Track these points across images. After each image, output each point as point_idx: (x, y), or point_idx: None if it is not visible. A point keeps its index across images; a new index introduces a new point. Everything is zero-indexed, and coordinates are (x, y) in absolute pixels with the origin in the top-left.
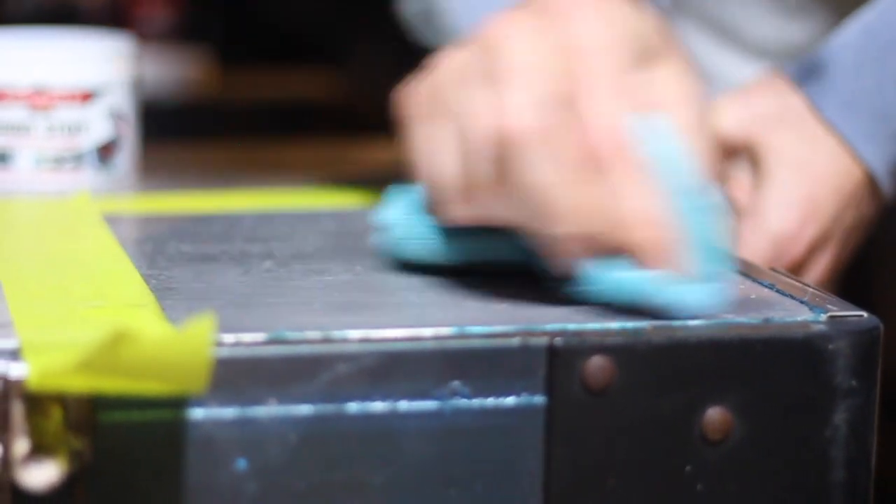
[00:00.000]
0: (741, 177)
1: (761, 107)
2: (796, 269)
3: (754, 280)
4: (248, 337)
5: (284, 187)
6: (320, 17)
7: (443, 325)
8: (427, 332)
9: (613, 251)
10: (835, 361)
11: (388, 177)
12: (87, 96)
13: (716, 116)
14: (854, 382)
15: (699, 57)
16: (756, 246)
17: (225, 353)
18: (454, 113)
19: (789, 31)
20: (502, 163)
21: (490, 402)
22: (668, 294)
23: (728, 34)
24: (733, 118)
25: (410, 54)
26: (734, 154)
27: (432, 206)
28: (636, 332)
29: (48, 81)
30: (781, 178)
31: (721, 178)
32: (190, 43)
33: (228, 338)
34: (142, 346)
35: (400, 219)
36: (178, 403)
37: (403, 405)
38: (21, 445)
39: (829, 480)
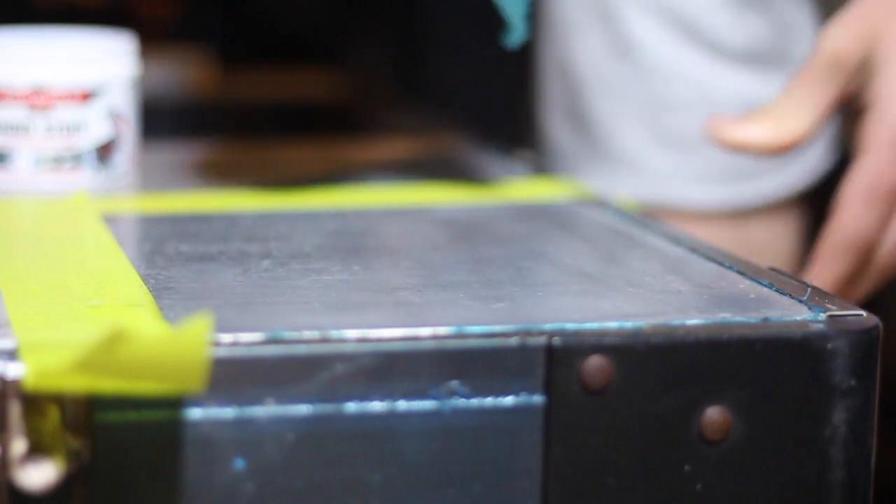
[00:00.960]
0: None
1: (873, 9)
2: None
3: (753, 279)
4: (246, 337)
5: (284, 187)
6: (320, 17)
7: (441, 324)
8: (425, 331)
9: None
10: (834, 361)
11: (387, 176)
12: (86, 96)
13: (831, 39)
14: (853, 382)
15: (660, 55)
16: (878, 136)
17: (223, 352)
18: None
19: (747, 22)
20: None
21: (488, 401)
22: None
23: (687, 28)
24: (851, 33)
25: (410, 54)
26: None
27: None
28: (635, 331)
29: (47, 81)
30: None
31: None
32: (190, 43)
33: (226, 337)
34: (139, 346)
35: None
36: (176, 403)
37: (402, 405)
38: (18, 446)
39: (828, 480)
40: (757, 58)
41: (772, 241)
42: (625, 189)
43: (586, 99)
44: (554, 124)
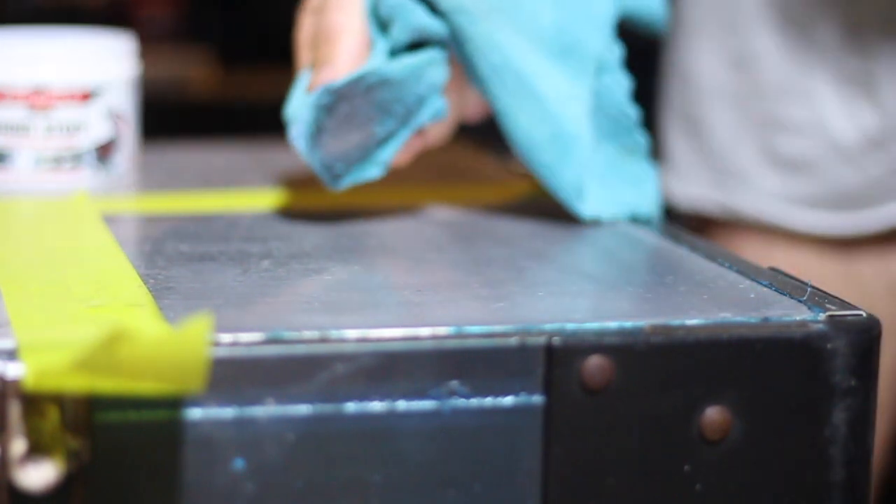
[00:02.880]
0: None
1: None
2: None
3: (753, 279)
4: (245, 337)
5: (284, 187)
6: None
7: (441, 324)
8: (425, 331)
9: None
10: (833, 361)
11: (387, 176)
12: (86, 96)
13: None
14: (853, 382)
15: (778, 72)
16: None
17: (223, 352)
18: None
19: (867, 46)
20: None
21: (488, 401)
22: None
23: (809, 48)
24: None
25: None
26: None
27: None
28: (634, 331)
29: (47, 81)
30: None
31: None
32: (190, 43)
33: (226, 337)
34: (139, 346)
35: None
36: (176, 403)
37: (402, 405)
38: (18, 446)
39: (828, 480)
40: (876, 85)
41: (882, 274)
42: (732, 203)
43: (702, 107)
44: (669, 129)
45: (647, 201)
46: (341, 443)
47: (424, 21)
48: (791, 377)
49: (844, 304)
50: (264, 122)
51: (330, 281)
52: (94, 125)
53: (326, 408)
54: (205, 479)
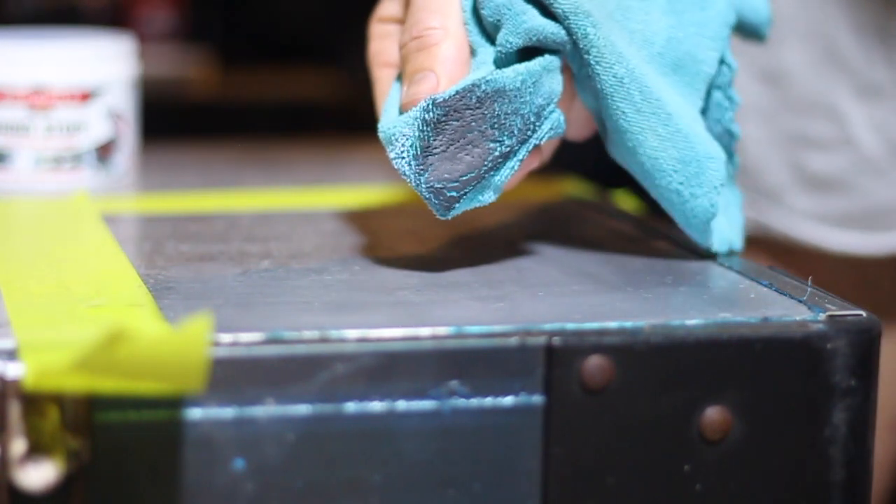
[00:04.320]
0: None
1: None
2: None
3: (753, 279)
4: (245, 337)
5: (284, 187)
6: (320, 17)
7: (441, 324)
8: (425, 331)
9: None
10: (833, 361)
11: (387, 177)
12: (86, 96)
13: None
14: (853, 382)
15: (807, 86)
16: None
17: (223, 352)
18: None
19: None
20: None
21: (488, 401)
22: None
23: (837, 62)
24: None
25: None
26: None
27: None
28: (634, 331)
29: (47, 81)
30: None
31: None
32: (190, 43)
33: (226, 337)
34: (139, 346)
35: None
36: (176, 403)
37: (401, 405)
38: (18, 445)
39: (828, 480)
40: None
41: None
42: (766, 222)
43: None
44: None
45: (738, 233)
46: (341, 443)
47: (540, 23)
48: (791, 377)
49: (844, 304)
50: (264, 122)
51: (330, 281)
52: (94, 125)
53: (326, 408)
54: (205, 479)
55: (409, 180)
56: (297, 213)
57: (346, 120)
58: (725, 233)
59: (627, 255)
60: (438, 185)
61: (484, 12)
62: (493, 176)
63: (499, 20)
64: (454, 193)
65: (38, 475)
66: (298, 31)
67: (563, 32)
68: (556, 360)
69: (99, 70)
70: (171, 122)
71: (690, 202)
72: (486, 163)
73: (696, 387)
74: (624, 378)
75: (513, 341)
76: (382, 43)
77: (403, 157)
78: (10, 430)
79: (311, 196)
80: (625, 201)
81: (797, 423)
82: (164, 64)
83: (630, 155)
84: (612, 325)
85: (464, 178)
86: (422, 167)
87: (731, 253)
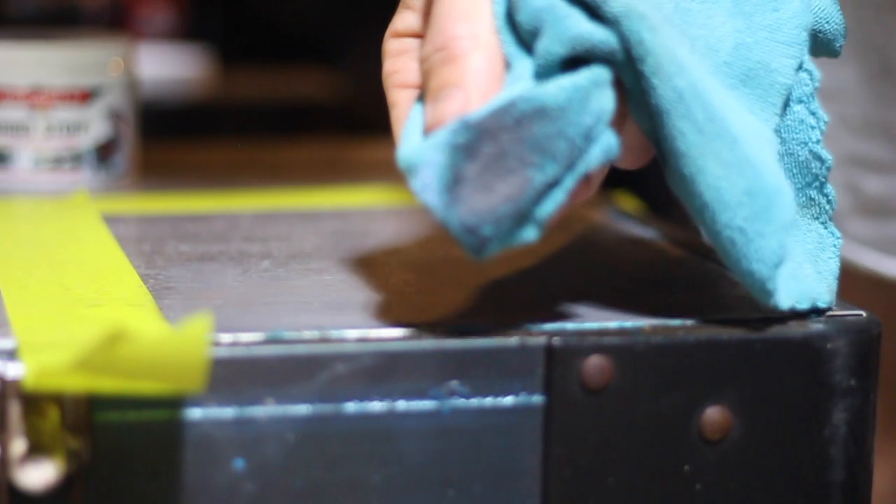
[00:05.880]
0: None
1: None
2: None
3: None
4: (245, 337)
5: (284, 187)
6: (320, 17)
7: (441, 324)
8: (425, 331)
9: None
10: (833, 360)
11: (387, 177)
12: (86, 96)
13: None
14: (853, 382)
15: (858, 104)
16: None
17: (223, 352)
18: None
19: None
20: None
21: (488, 401)
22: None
23: (891, 77)
24: None
25: None
26: None
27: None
28: (634, 331)
29: (47, 81)
30: None
31: None
32: (190, 43)
33: (226, 337)
34: (139, 346)
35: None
36: (176, 403)
37: (402, 405)
38: (18, 445)
39: (829, 480)
40: None
41: None
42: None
43: None
44: None
45: (827, 285)
46: (341, 443)
47: (586, 29)
48: (791, 377)
49: (844, 304)
50: (264, 122)
51: (330, 281)
52: (94, 125)
53: (326, 408)
54: (205, 480)
55: (436, 214)
56: (297, 213)
57: (346, 120)
58: (810, 284)
59: (628, 254)
60: (472, 222)
61: (520, 18)
62: (535, 209)
63: (538, 27)
64: (490, 229)
65: (38, 475)
66: (298, 31)
67: (613, 39)
68: (556, 360)
69: (99, 70)
70: (171, 121)
71: (756, 242)
72: (525, 193)
73: (696, 387)
74: (624, 378)
75: (513, 341)
76: (399, 60)
77: (430, 188)
78: (10, 430)
79: (311, 196)
80: (625, 201)
81: (797, 422)
82: (163, 64)
83: (686, 184)
84: (612, 325)
85: (500, 211)
86: (452, 199)
87: (815, 311)
